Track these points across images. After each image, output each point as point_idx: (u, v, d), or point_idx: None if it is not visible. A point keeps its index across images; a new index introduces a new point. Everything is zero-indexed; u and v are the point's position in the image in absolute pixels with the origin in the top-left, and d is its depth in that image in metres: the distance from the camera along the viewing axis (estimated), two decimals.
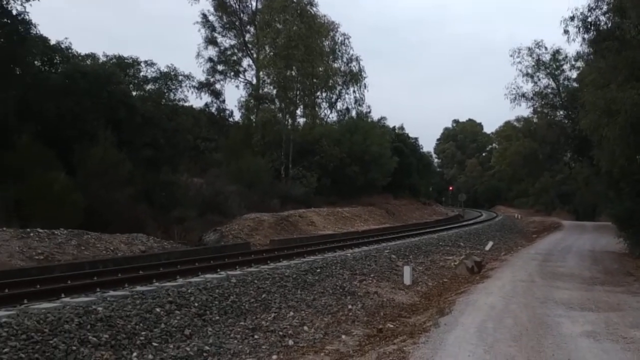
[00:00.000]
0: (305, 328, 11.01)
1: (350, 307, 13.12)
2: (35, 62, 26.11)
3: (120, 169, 24.19)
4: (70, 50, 28.59)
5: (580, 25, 24.75)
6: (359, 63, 58.06)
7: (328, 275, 15.01)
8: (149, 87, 31.94)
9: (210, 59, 52.27)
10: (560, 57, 46.47)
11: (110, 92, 25.82)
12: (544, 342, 8.61)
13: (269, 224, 30.07)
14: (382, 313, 13.23)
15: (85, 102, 24.78)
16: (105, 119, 25.41)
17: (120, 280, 12.67)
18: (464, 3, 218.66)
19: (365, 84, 58.28)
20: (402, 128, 68.94)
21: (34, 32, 24.51)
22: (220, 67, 52.72)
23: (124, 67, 30.67)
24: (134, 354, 8.21)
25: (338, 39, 57.86)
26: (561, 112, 48.92)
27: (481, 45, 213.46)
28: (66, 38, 30.11)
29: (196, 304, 10.37)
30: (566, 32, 25.98)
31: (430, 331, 9.21)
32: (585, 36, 24.93)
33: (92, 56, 29.88)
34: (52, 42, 27.63)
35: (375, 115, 60.91)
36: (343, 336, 10.90)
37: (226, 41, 53.17)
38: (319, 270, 15.05)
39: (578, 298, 13.16)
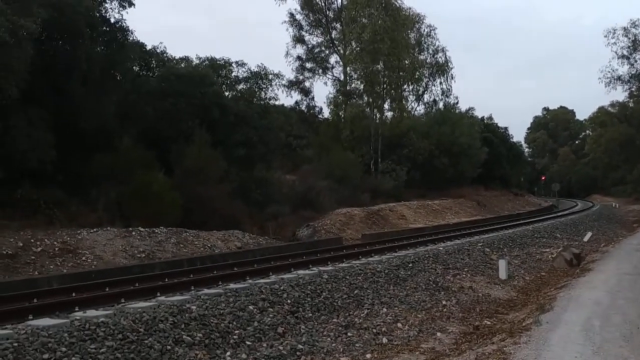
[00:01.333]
0: (399, 325, 10.95)
1: (444, 302, 12.95)
2: (134, 67, 27.23)
3: (215, 167, 24.87)
4: (165, 54, 29.74)
5: None
6: (445, 54, 57.22)
7: (420, 270, 14.85)
8: (240, 87, 32.66)
9: (298, 57, 53.10)
10: None
11: (203, 93, 26.58)
12: None
13: (360, 218, 30.12)
14: (477, 309, 12.97)
15: (181, 103, 25.63)
16: (199, 119, 26.21)
17: (214, 277, 13.02)
18: None
19: (452, 74, 57.35)
20: (490, 118, 67.30)
21: (132, 39, 25.58)
22: (308, 65, 53.44)
23: (216, 68, 31.49)
24: (228, 353, 8.40)
25: (423, 30, 57.18)
26: None
27: (570, 31, 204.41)
28: (161, 42, 31.30)
29: (289, 301, 10.52)
30: None
31: (532, 330, 8.90)
32: None
33: (186, 59, 30.84)
34: (149, 47, 28.85)
35: (462, 106, 59.82)
36: (438, 334, 10.76)
37: (313, 39, 53.85)
38: (410, 265, 14.92)
39: None
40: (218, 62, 31.82)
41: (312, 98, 53.86)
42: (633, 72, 44.31)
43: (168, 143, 25.12)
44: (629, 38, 43.68)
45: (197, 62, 31.50)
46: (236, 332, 9.09)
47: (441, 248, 18.22)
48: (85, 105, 22.07)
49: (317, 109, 54.18)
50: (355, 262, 14.64)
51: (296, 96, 53.69)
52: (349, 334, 10.08)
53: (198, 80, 26.60)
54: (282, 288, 10.91)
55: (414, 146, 45.18)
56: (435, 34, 56.98)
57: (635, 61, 44.20)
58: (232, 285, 11.26)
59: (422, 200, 41.51)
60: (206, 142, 25.28)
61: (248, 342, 8.94)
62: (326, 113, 53.79)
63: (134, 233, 19.16)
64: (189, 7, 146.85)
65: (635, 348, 7.84)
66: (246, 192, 31.25)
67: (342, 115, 48.32)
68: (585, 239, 26.26)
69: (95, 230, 18.74)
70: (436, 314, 12.11)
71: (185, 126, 25.65)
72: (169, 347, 8.08)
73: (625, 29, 43.86)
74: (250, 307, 9.91)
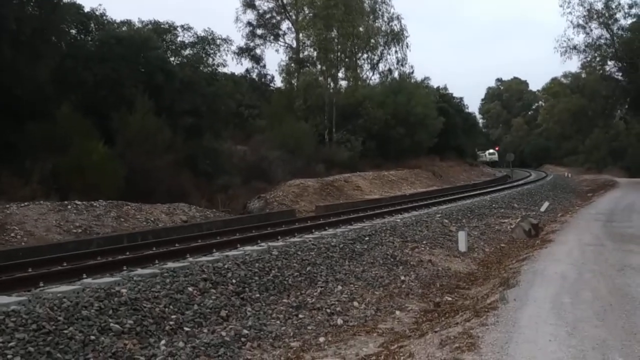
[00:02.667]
0: (355, 304, 10.04)
1: (402, 278, 12.08)
2: (71, 31, 25.39)
3: (160, 136, 23.45)
4: (105, 17, 27.92)
5: None
6: (400, 22, 56.19)
7: (377, 244, 13.93)
8: (186, 52, 31.11)
9: (249, 23, 51.17)
10: (614, 5, 43.60)
11: (146, 58, 25.00)
12: (635, 320, 7.38)
13: (314, 190, 29.10)
14: (437, 284, 12.17)
15: (122, 68, 24.03)
16: (143, 85, 24.70)
17: (150, 256, 11.76)
18: None
19: (407, 43, 56.45)
20: (445, 88, 66.73)
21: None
22: (259, 32, 51.63)
23: (160, 32, 29.87)
24: (162, 341, 7.27)
25: None
26: (615, 65, 46.18)
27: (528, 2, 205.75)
28: (100, 5, 29.44)
29: (234, 281, 9.42)
30: None
31: (499, 309, 8.04)
32: None
33: (128, 23, 29.14)
34: (87, 9, 27.04)
35: (418, 76, 59.08)
36: (397, 312, 9.90)
37: (264, 4, 51.90)
38: (367, 239, 13.97)
39: None
40: (162, 26, 30.17)
41: (264, 66, 52.33)
42: (589, 41, 44.08)
43: (109, 111, 23.51)
44: (584, 7, 43.39)
45: (140, 25, 29.82)
46: (173, 317, 7.97)
47: (399, 220, 17.31)
48: (17, 69, 20.40)
49: (269, 77, 52.67)
50: (308, 237, 13.56)
51: (247, 64, 52.11)
52: (300, 316, 9.10)
53: (140, 44, 24.99)
54: (226, 266, 9.79)
55: (369, 116, 44.17)
56: (390, 1, 55.99)
57: (591, 30, 44.00)
58: (169, 265, 10.08)
59: (377, 170, 40.72)
60: (150, 109, 23.80)
61: (186, 328, 7.85)
62: (279, 82, 52.50)
63: (69, 207, 17.70)
64: None
65: (611, 328, 7.06)
66: (194, 162, 29.97)
67: (295, 84, 46.95)
68: (542, 209, 25.86)
69: (26, 204, 17.23)
70: (394, 291, 11.24)
71: (127, 93, 24.08)
72: (92, 337, 6.89)
73: None
74: (190, 289, 8.79)
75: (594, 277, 10.39)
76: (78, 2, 26.59)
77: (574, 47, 44.46)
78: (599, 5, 43.74)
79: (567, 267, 11.38)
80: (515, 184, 43.89)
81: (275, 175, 33.37)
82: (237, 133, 46.14)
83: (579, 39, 45.19)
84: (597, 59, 46.23)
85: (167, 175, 23.74)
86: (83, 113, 23.28)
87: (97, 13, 27.47)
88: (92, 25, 26.89)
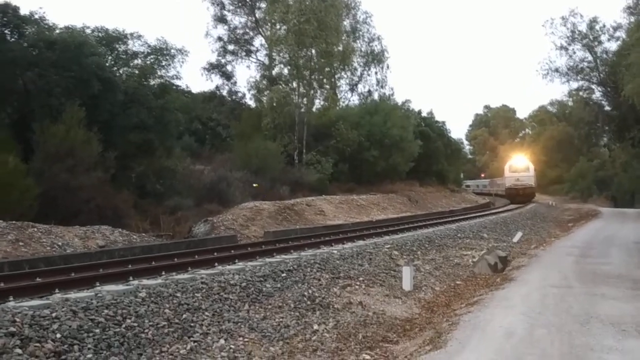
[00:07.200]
0: None
1: (316, 327, 9.62)
2: None
3: (87, 151, 20.93)
4: (44, 22, 25.50)
5: None
6: (381, 43, 54.96)
7: (297, 281, 11.43)
8: (137, 62, 28.79)
9: (219, 38, 49.18)
10: (598, 27, 41.92)
11: (81, 65, 22.57)
12: None
13: (269, 214, 26.59)
14: (360, 335, 9.70)
15: (50, 75, 21.62)
16: (77, 94, 22.33)
17: None
18: None
19: (387, 64, 55.24)
20: (431, 113, 64.89)
21: None
22: (231, 47, 49.55)
23: (109, 41, 27.54)
24: None
25: (359, 17, 54.60)
26: (599, 89, 44.32)
27: (517, 29, 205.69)
28: (40, 8, 26.96)
29: (58, 336, 6.91)
30: None
31: None
32: None
33: (69, 28, 26.65)
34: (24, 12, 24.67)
35: (399, 99, 57.34)
36: None
37: (236, 19, 49.96)
38: (284, 275, 11.45)
39: (633, 313, 9.42)
40: (112, 33, 27.78)
41: (235, 83, 50.17)
42: (571, 64, 42.27)
43: (31, 120, 21.08)
44: (568, 28, 41.71)
45: (89, 32, 27.42)
46: None
47: (335, 251, 14.76)
48: None
49: (240, 94, 50.44)
50: (203, 272, 10.95)
51: (217, 80, 49.90)
52: None
53: (74, 49, 22.52)
54: (54, 315, 7.27)
55: (342, 137, 41.89)
56: (371, 21, 54.88)
57: (574, 52, 42.22)
58: None
59: (348, 194, 38.37)
60: (80, 121, 21.32)
61: None
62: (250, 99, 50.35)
63: None
64: None
65: None
66: (142, 182, 27.61)
67: (265, 101, 44.74)
68: (515, 239, 23.57)
69: None
70: (298, 345, 8.77)
71: (56, 102, 21.65)
72: None
73: (563, 17, 42.04)
74: None
75: (548, 335, 8.02)
76: (14, 4, 24.27)
77: (556, 70, 42.87)
78: (583, 27, 42.14)
79: (518, 319, 9.01)
80: (494, 211, 41.55)
81: (234, 197, 31.02)
82: (204, 152, 44.08)
83: (562, 61, 43.46)
84: (584, 86, 44.52)
85: (97, 195, 21.20)
86: (9, 123, 21.04)
87: (37, 16, 25.09)
88: (27, 28, 24.41)
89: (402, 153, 46.51)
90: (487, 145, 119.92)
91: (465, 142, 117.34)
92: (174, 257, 14.54)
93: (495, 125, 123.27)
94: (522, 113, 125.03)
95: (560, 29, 41.99)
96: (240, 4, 49.42)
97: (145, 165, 27.97)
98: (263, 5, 48.14)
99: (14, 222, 16.67)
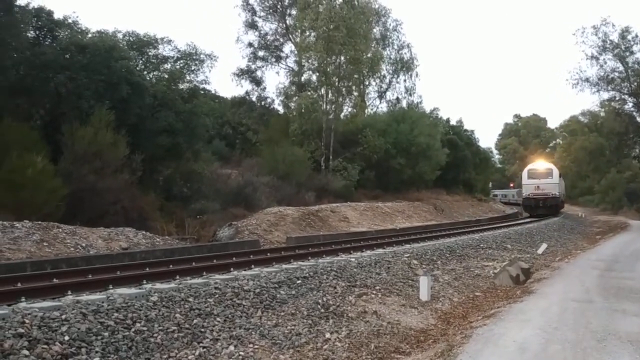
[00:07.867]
0: None
1: (328, 335, 9.62)
2: (28, 34, 23.55)
3: (114, 153, 21.26)
4: (77, 26, 26.03)
5: None
6: (411, 50, 54.81)
7: (312, 289, 11.46)
8: (168, 67, 29.16)
9: (250, 44, 49.43)
10: (630, 37, 41.10)
11: (110, 68, 22.96)
12: None
13: (292, 219, 26.68)
14: (372, 345, 9.67)
15: (80, 78, 22.02)
16: (107, 98, 22.74)
17: None
18: None
19: (417, 72, 54.90)
20: (460, 122, 64.58)
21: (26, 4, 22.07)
22: (261, 53, 49.80)
23: (140, 45, 27.95)
24: None
25: (389, 24, 54.61)
26: (630, 100, 43.44)
27: (549, 37, 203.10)
28: (74, 12, 27.58)
29: (66, 338, 7.04)
30: None
31: None
32: None
33: (102, 32, 27.15)
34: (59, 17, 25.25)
35: (428, 107, 57.20)
36: None
37: (267, 25, 50.27)
38: (299, 282, 11.50)
39: None
40: (143, 38, 28.21)
41: (264, 89, 50.45)
42: (602, 74, 41.48)
43: (64, 123, 21.50)
44: (599, 37, 40.99)
45: (121, 37, 27.90)
46: None
47: (353, 259, 14.76)
48: None
49: (268, 100, 50.74)
50: (218, 277, 11.05)
51: (247, 85, 50.26)
52: None
53: (104, 53, 22.91)
54: (64, 317, 7.41)
55: (369, 144, 41.89)
56: (401, 28, 54.85)
57: (605, 62, 41.49)
58: None
59: (374, 202, 38.30)
60: (108, 124, 21.69)
61: None
62: (278, 105, 50.67)
63: None
64: None
65: None
66: (169, 185, 27.98)
67: (293, 107, 44.91)
68: (540, 251, 23.26)
69: None
70: (309, 354, 8.78)
71: (85, 105, 22.05)
72: None
73: (595, 27, 41.28)
74: None
75: (562, 351, 7.90)
76: (49, 8, 24.84)
77: (587, 80, 42.08)
78: (615, 36, 41.38)
79: (533, 333, 8.90)
80: (520, 221, 41.01)
81: (259, 202, 31.24)
82: (234, 156, 44.58)
83: (592, 71, 42.70)
84: (616, 97, 43.75)
85: (123, 197, 21.53)
86: (37, 124, 21.47)
87: (71, 21, 25.63)
88: (60, 32, 24.94)
89: (429, 161, 46.35)
90: (516, 154, 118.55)
91: (495, 152, 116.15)
92: (192, 261, 14.68)
93: (526, 134, 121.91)
94: (553, 123, 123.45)
95: (591, 38, 41.34)
96: (271, 11, 49.73)
97: (173, 168, 28.43)
98: (294, 12, 48.33)
99: (39, 222, 17.00)
